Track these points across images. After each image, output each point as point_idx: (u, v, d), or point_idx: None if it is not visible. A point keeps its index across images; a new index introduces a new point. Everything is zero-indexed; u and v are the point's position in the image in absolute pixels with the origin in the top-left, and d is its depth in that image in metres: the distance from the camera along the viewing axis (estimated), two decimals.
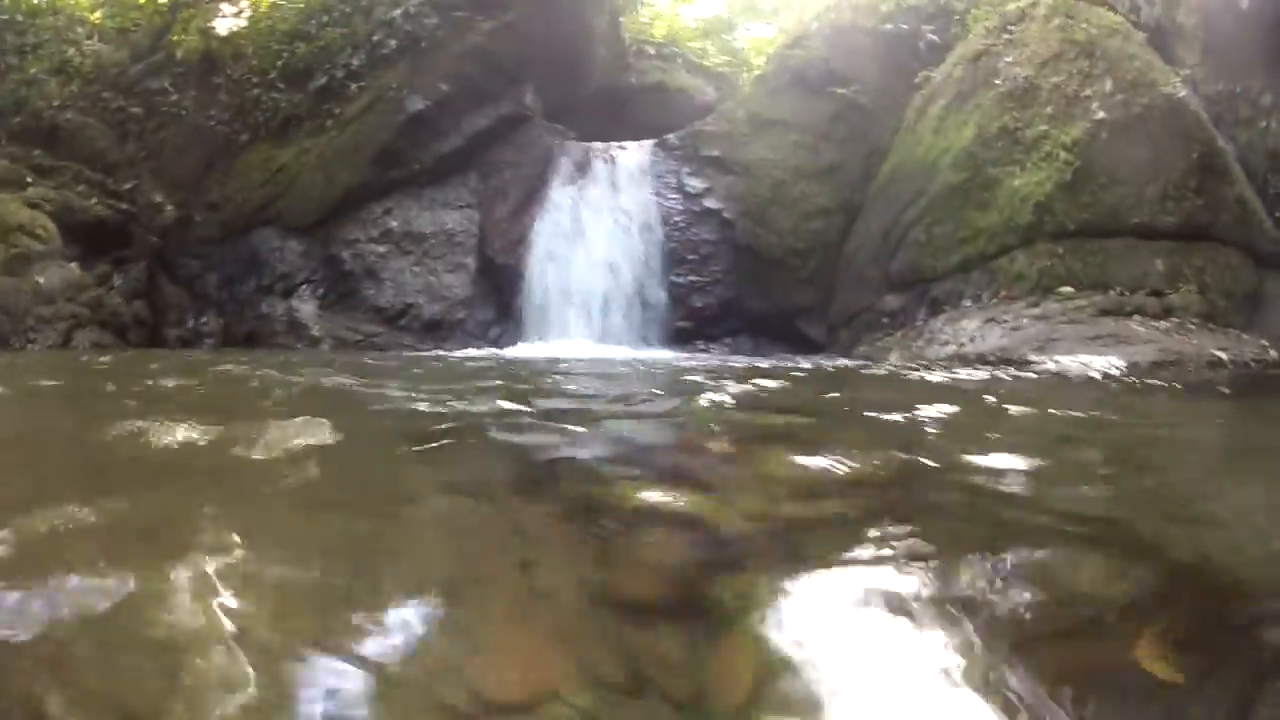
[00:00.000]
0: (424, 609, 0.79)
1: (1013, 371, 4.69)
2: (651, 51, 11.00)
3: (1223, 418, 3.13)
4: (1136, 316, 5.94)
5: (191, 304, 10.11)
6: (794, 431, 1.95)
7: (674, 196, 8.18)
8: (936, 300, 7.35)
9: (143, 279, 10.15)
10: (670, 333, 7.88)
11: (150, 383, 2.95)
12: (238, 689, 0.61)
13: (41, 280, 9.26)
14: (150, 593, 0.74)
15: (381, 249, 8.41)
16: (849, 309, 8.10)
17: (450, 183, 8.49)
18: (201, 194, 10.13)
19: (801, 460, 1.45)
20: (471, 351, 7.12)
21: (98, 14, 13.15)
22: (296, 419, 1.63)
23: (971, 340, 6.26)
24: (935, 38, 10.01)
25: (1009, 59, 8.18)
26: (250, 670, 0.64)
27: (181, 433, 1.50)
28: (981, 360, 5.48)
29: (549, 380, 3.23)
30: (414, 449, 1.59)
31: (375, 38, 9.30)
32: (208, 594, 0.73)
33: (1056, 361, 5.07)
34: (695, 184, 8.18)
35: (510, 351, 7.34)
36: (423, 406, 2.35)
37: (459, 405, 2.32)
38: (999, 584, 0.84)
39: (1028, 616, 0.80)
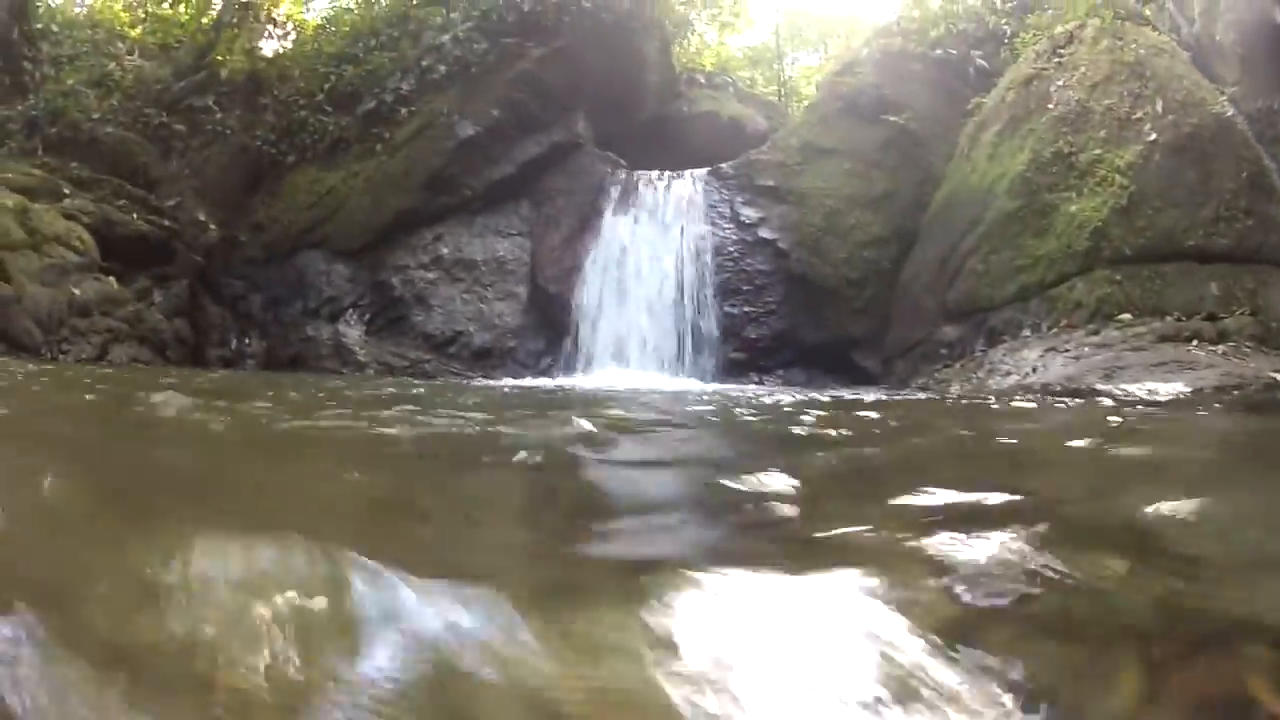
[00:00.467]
0: None
1: (1087, 400, 4.62)
2: (702, 80, 11.06)
3: None
4: (1194, 342, 5.88)
5: (234, 324, 10.10)
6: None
7: (728, 226, 8.14)
8: (995, 330, 7.29)
9: (184, 297, 10.15)
10: (723, 364, 7.80)
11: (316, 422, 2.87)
12: None
13: (77, 292, 9.24)
14: None
15: (431, 275, 8.39)
16: (905, 340, 7.99)
17: (502, 210, 8.48)
18: (246, 214, 10.16)
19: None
20: (527, 381, 7.02)
21: (138, 30, 13.30)
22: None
23: (1034, 370, 6.19)
24: (984, 63, 9.99)
25: (1060, 82, 8.15)
26: None
27: None
28: (1048, 390, 5.45)
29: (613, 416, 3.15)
30: None
31: (424, 63, 9.34)
32: None
33: (1123, 390, 4.98)
34: (749, 213, 8.13)
35: (563, 381, 7.25)
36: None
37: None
38: None
39: None
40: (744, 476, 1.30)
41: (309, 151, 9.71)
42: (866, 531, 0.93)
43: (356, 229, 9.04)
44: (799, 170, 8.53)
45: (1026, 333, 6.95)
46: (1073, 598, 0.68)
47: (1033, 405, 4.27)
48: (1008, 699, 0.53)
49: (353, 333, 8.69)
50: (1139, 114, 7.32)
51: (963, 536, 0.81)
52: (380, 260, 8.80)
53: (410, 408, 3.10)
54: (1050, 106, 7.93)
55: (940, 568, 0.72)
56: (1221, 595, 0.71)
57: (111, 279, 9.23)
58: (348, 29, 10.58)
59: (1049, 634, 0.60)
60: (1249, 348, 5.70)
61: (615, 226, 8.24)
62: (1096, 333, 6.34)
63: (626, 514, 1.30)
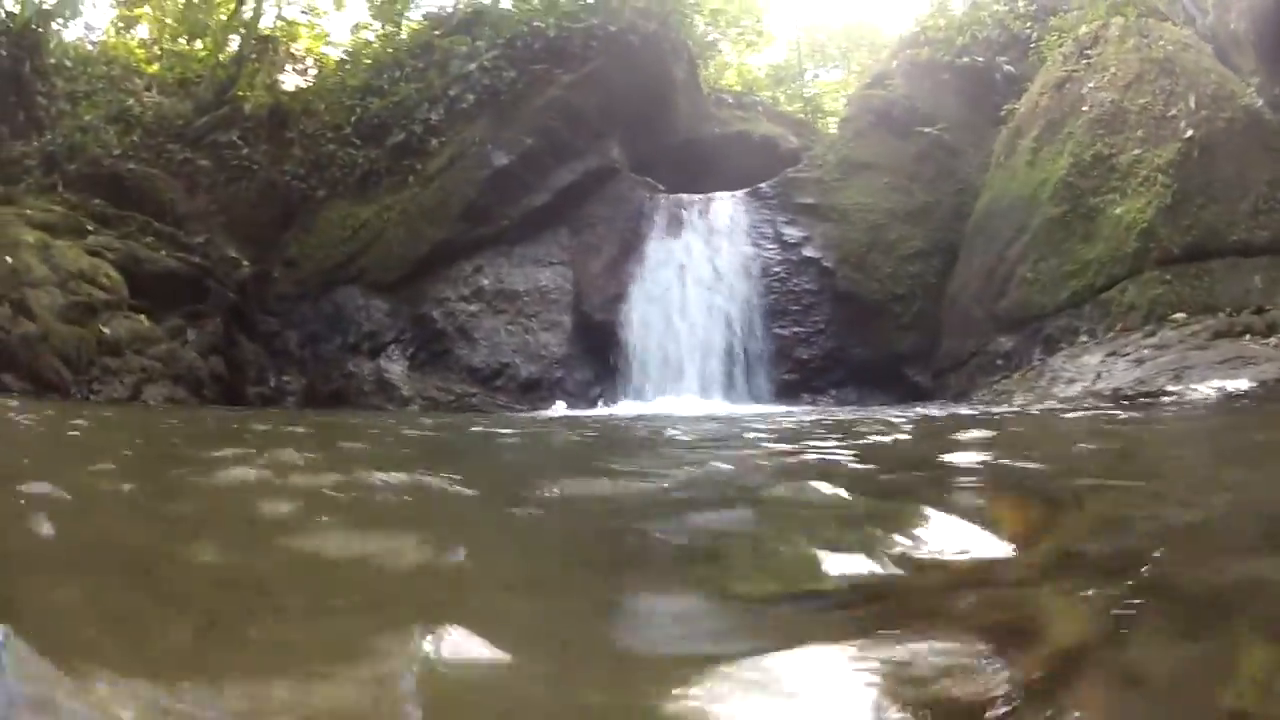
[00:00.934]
0: None
1: (1162, 401, 4.55)
2: (730, 100, 11.12)
3: None
4: (1246, 336, 5.86)
5: (271, 362, 10.03)
6: None
7: (772, 247, 8.11)
8: (1051, 338, 7.29)
9: (219, 334, 10.08)
10: (775, 386, 7.72)
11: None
12: None
13: (107, 330, 9.15)
14: None
15: (473, 308, 8.34)
16: (957, 352, 7.94)
17: (541, 239, 8.46)
18: (279, 250, 10.12)
19: None
20: (580, 412, 6.93)
21: (155, 66, 13.26)
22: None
23: (1099, 376, 6.19)
24: (1010, 68, 9.97)
25: (1092, 84, 8.16)
26: None
27: None
28: (1120, 396, 5.44)
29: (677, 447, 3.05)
30: None
31: (453, 92, 9.34)
32: None
33: (1193, 389, 4.93)
34: (792, 233, 8.11)
35: (615, 410, 7.16)
36: None
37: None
38: None
39: None
40: None
41: (340, 185, 9.70)
42: None
43: (393, 262, 9.01)
44: (838, 186, 8.51)
45: (1084, 338, 6.97)
46: None
47: (1138, 413, 4.21)
48: None
49: (395, 368, 8.63)
50: (1173, 111, 7.36)
51: None
52: (419, 293, 8.76)
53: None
54: (1085, 109, 7.94)
55: None
56: None
57: (142, 317, 9.15)
58: (370, 61, 10.57)
59: None
60: None
61: (659, 251, 8.22)
62: (1153, 334, 6.46)
63: None
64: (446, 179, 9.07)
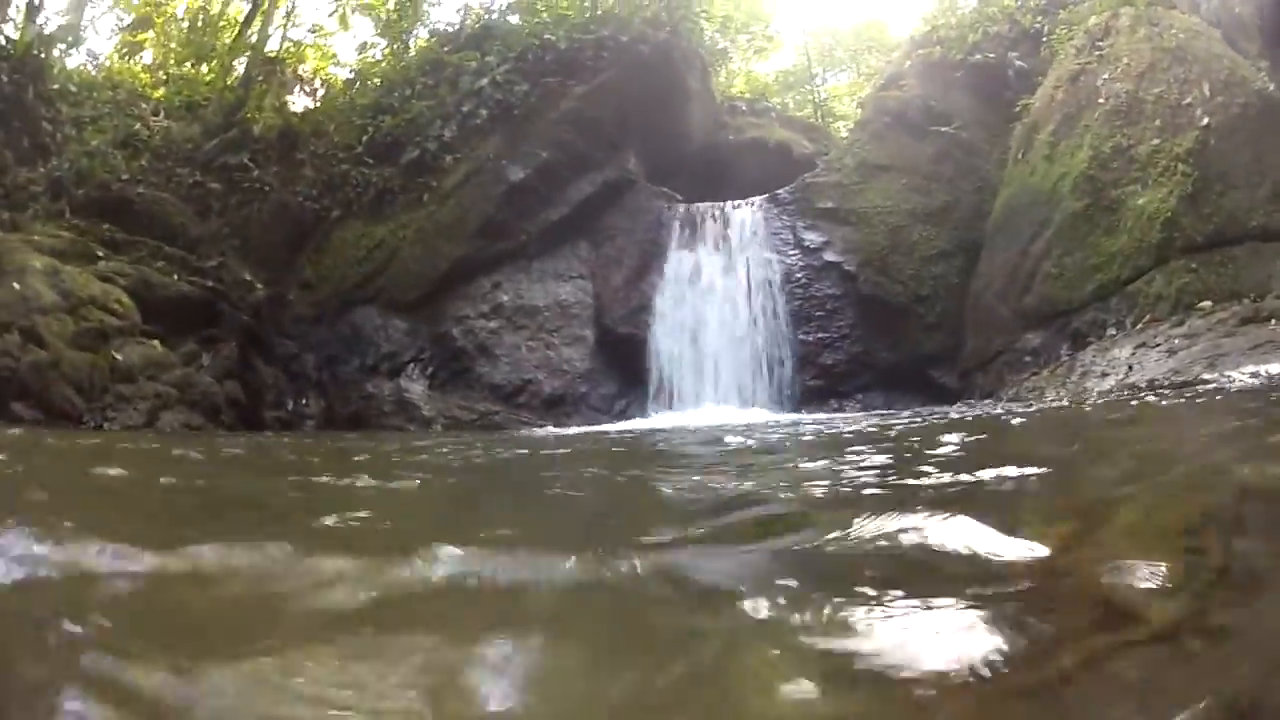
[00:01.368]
0: None
1: (1201, 390, 4.50)
2: (743, 107, 11.18)
3: None
4: (1272, 321, 5.77)
5: (289, 385, 9.97)
6: None
7: (793, 253, 8.05)
8: (1079, 332, 7.23)
9: (234, 358, 10.02)
10: (802, 392, 7.61)
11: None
12: None
13: (119, 356, 9.05)
14: None
15: (493, 324, 8.28)
16: (983, 351, 7.86)
17: (560, 253, 8.41)
18: (294, 272, 10.08)
19: None
20: (608, 427, 6.82)
21: (160, 90, 13.25)
22: None
23: (1130, 369, 6.13)
24: (1022, 63, 9.91)
25: (1106, 75, 8.11)
26: None
27: None
28: (1155, 386, 5.33)
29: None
30: None
31: (465, 108, 9.32)
32: None
33: (1229, 376, 4.85)
34: (812, 238, 8.04)
35: (644, 424, 7.05)
36: None
37: None
38: None
39: None
40: None
41: (354, 205, 9.67)
42: None
43: (410, 281, 8.96)
44: (857, 190, 8.45)
45: (1112, 331, 6.94)
46: None
47: (1181, 401, 4.15)
48: None
49: (416, 388, 8.57)
50: (1188, 99, 7.32)
51: None
52: (438, 312, 8.70)
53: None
54: (1101, 100, 7.90)
55: None
56: None
57: (155, 342, 9.08)
58: (379, 80, 10.53)
59: None
60: None
61: (680, 262, 8.17)
62: (1181, 323, 6.50)
63: None
64: (462, 195, 9.09)
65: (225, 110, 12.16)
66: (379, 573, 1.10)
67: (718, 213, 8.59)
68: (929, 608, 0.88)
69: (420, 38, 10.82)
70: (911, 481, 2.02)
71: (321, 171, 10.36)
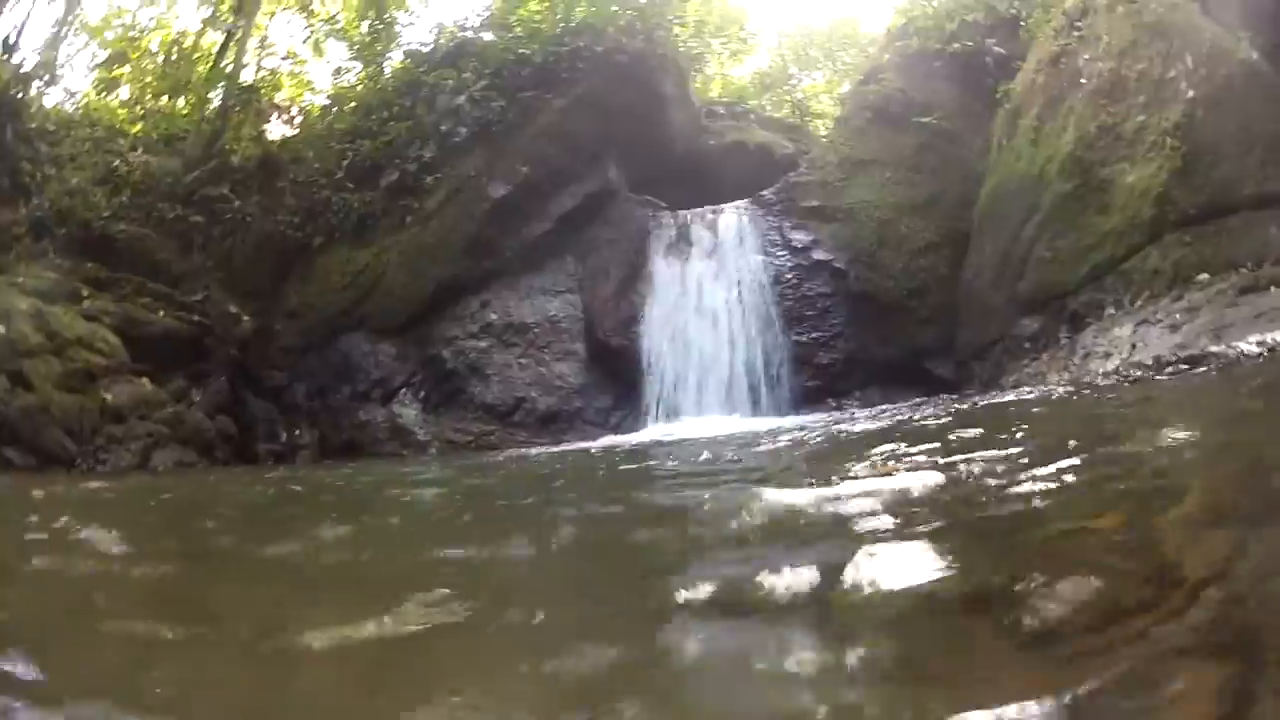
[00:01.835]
0: None
1: (1211, 363, 4.36)
2: (722, 111, 11.11)
3: None
4: (1272, 288, 5.66)
5: (281, 416, 9.81)
6: None
7: (782, 253, 7.95)
8: (1077, 314, 7.14)
9: (224, 392, 9.84)
10: (799, 394, 7.49)
11: None
12: None
13: (109, 397, 8.83)
14: None
15: (483, 344, 8.16)
16: (979, 340, 7.76)
17: (547, 268, 8.31)
18: (279, 301, 9.94)
19: None
20: (607, 441, 6.69)
21: (138, 125, 13.11)
22: None
23: (1134, 347, 6.02)
24: (1001, 49, 9.83)
25: (1087, 55, 8.01)
26: None
27: None
28: (1162, 363, 5.21)
29: None
30: None
31: (444, 127, 9.22)
32: None
33: (1236, 347, 4.74)
34: (800, 237, 7.96)
35: (642, 437, 6.92)
36: None
37: None
38: None
39: None
40: None
41: (336, 231, 9.56)
42: None
43: (397, 305, 8.83)
44: (841, 186, 8.38)
45: (1111, 311, 6.86)
46: None
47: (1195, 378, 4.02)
48: None
49: (409, 412, 8.42)
50: (1171, 73, 7.20)
51: None
52: (427, 334, 8.57)
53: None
54: (1083, 81, 7.81)
55: None
56: None
57: (144, 380, 8.91)
58: (356, 104, 10.40)
59: None
60: None
61: (668, 270, 8.06)
62: (1180, 297, 6.40)
63: None
64: (445, 215, 8.98)
65: (204, 142, 12.03)
66: None
67: (703, 218, 8.50)
68: None
69: (395, 60, 10.77)
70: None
71: (302, 199, 10.23)
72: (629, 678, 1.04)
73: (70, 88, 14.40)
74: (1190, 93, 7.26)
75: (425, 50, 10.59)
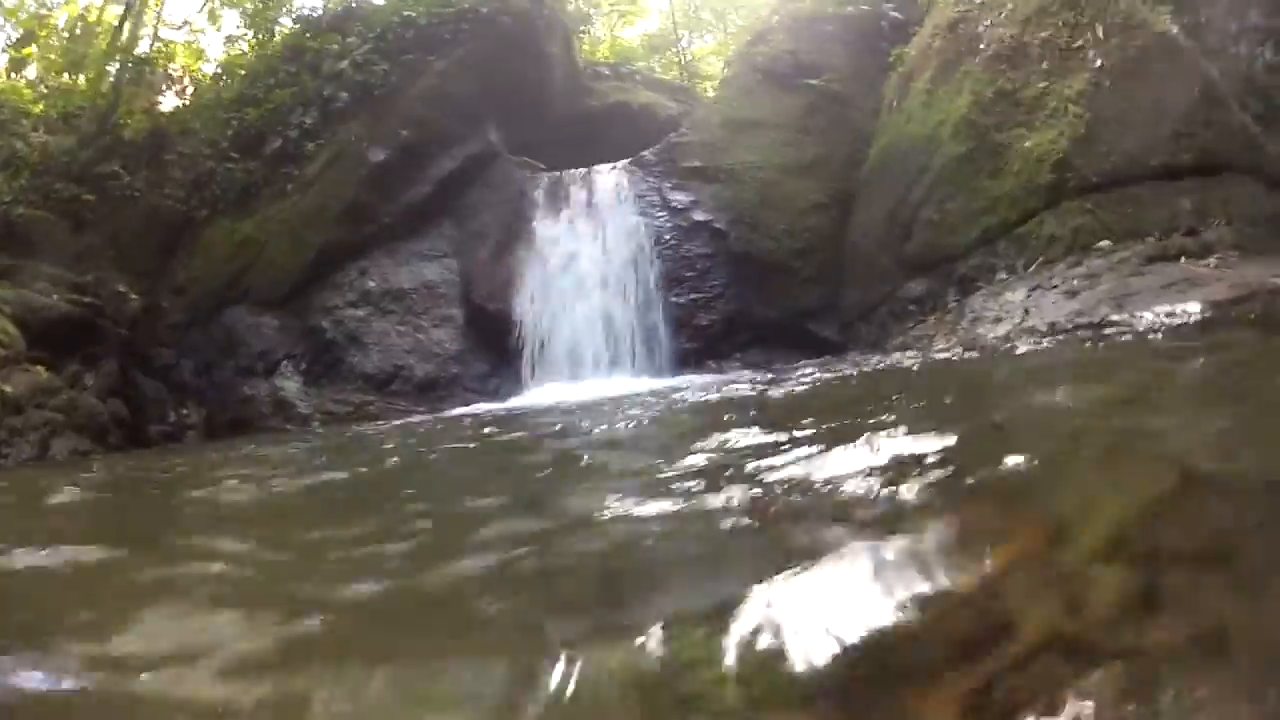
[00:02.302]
0: None
1: (1109, 332, 4.18)
2: (606, 72, 10.48)
3: None
4: (1181, 259, 5.54)
5: (170, 396, 9.37)
6: None
7: (661, 214, 7.59)
8: (966, 278, 6.81)
9: (115, 374, 9.37)
10: (678, 356, 7.28)
11: None
12: None
13: (8, 388, 8.36)
14: None
15: (361, 312, 7.75)
16: (864, 302, 7.55)
17: (425, 233, 7.85)
18: (166, 278, 9.43)
19: None
20: (481, 408, 6.47)
21: (40, 105, 12.55)
22: None
23: (1027, 312, 5.74)
24: (898, 14, 9.61)
25: (988, 22, 7.74)
26: None
27: None
28: (1058, 330, 4.95)
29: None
30: None
31: (326, 92, 8.67)
32: None
33: (1140, 316, 4.59)
34: (680, 198, 7.60)
35: (516, 402, 6.72)
36: None
37: None
38: None
39: None
40: None
41: (220, 203, 8.93)
42: None
43: (279, 275, 8.33)
44: (725, 147, 7.99)
45: (1003, 275, 6.43)
46: None
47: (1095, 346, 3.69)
48: None
49: (291, 385, 8.00)
50: (1079, 42, 7.03)
51: None
52: (307, 305, 8.09)
53: None
54: (982, 47, 7.53)
55: None
56: None
57: (40, 368, 8.48)
58: (244, 72, 9.96)
59: None
60: (1234, 257, 5.45)
61: (545, 231, 7.60)
62: (1079, 264, 5.53)
63: None
64: (325, 182, 7.92)
65: (99, 118, 11.42)
66: None
67: (580, 179, 7.82)
68: None
69: (284, 26, 10.30)
70: None
71: (189, 171, 9.53)
72: None
73: None
74: (1099, 61, 6.97)
75: (315, 16, 10.18)
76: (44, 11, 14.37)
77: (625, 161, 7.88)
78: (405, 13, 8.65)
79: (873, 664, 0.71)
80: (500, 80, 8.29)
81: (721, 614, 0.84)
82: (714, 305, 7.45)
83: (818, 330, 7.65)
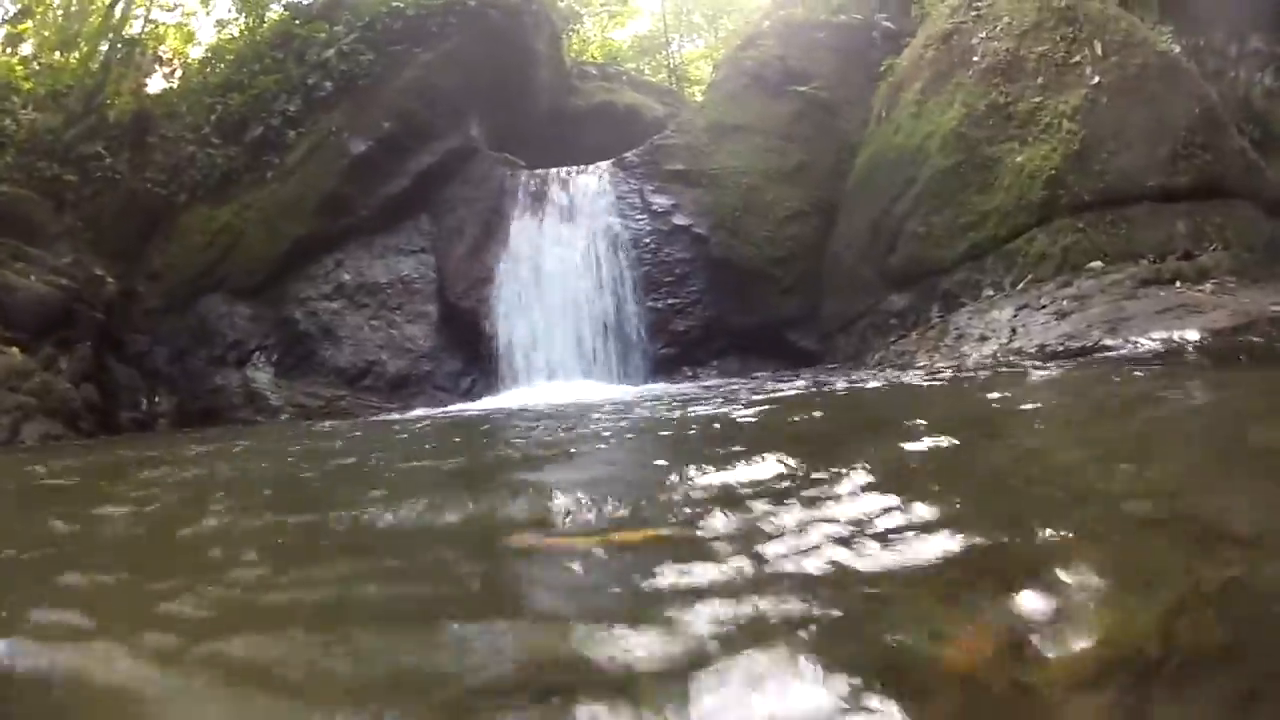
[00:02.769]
0: None
1: (1102, 357, 3.97)
2: (594, 71, 10.22)
3: None
4: (1176, 283, 5.35)
5: (143, 383, 9.14)
6: None
7: (640, 217, 7.38)
8: (950, 293, 6.57)
9: (89, 359, 9.17)
10: (654, 362, 7.09)
11: None
12: None
13: None
14: None
15: (335, 305, 7.53)
16: (845, 314, 7.35)
17: (402, 228, 7.61)
18: (143, 263, 9.19)
19: None
20: (454, 409, 6.27)
21: (30, 82, 12.34)
22: None
23: (1015, 332, 5.48)
24: (890, 24, 9.44)
25: (983, 35, 7.54)
26: None
27: None
28: (1047, 352, 4.72)
29: None
30: None
31: (310, 80, 8.42)
32: None
33: (1135, 342, 4.40)
34: (661, 201, 7.39)
35: (490, 403, 6.54)
36: None
37: None
38: None
39: None
40: None
41: (200, 189, 8.68)
42: None
43: (255, 264, 8.09)
44: (708, 151, 7.76)
45: (990, 292, 6.18)
46: None
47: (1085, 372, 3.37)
48: None
49: (262, 376, 7.79)
50: (1076, 58, 6.86)
51: None
52: (282, 295, 7.86)
53: None
54: (976, 59, 7.33)
55: None
56: None
57: (14, 350, 8.29)
58: (232, 57, 9.75)
59: None
60: (1232, 283, 5.25)
61: (523, 231, 7.38)
62: (1069, 284, 5.27)
63: None
64: (304, 171, 7.56)
65: (86, 97, 11.17)
66: None
67: (561, 179, 7.56)
68: None
69: (275, 11, 10.10)
70: None
71: (170, 155, 9.42)
72: None
73: None
74: (1096, 78, 6.77)
75: (305, 3, 9.97)
76: None
77: (607, 162, 7.68)
78: (394, 3, 8.43)
79: None
80: (485, 75, 8.07)
81: None
82: (692, 311, 7.26)
83: (796, 340, 7.47)
